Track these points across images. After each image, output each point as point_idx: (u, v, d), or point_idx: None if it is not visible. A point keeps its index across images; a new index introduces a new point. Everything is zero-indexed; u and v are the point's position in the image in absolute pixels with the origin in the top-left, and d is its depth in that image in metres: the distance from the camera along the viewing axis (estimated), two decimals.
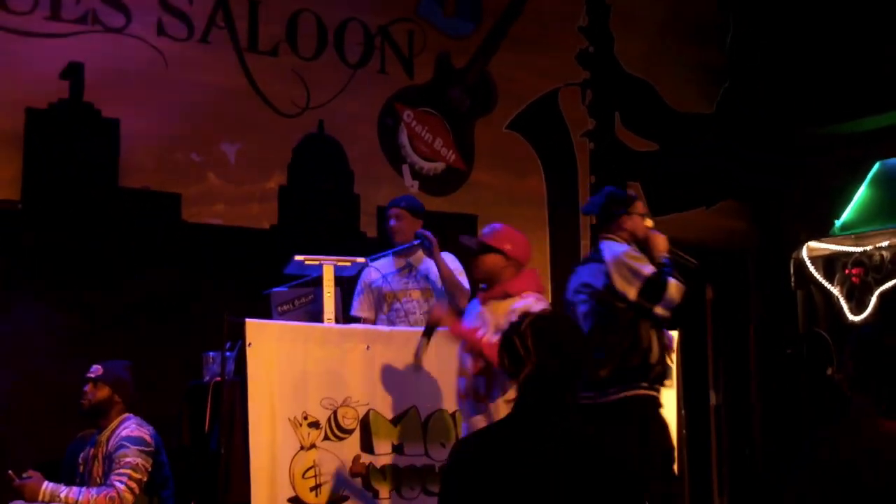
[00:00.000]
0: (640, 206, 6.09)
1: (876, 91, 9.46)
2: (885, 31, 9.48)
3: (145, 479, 5.65)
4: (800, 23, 10.14)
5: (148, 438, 5.74)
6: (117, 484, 5.53)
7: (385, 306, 6.84)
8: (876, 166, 9.76)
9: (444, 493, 3.47)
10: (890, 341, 4.32)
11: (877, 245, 9.34)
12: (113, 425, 5.82)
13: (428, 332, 5.40)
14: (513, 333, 3.52)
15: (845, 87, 9.69)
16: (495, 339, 4.81)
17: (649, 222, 6.01)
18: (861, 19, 9.64)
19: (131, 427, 5.75)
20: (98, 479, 5.69)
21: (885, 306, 9.22)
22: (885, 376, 4.10)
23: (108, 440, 5.75)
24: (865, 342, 4.22)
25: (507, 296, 5.21)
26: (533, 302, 5.12)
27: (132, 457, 5.61)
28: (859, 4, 9.63)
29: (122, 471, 5.56)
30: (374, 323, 6.80)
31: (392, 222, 6.90)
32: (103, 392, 5.86)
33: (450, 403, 5.98)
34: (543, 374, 3.43)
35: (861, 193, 9.80)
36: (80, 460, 5.91)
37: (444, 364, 5.81)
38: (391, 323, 6.71)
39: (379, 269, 6.83)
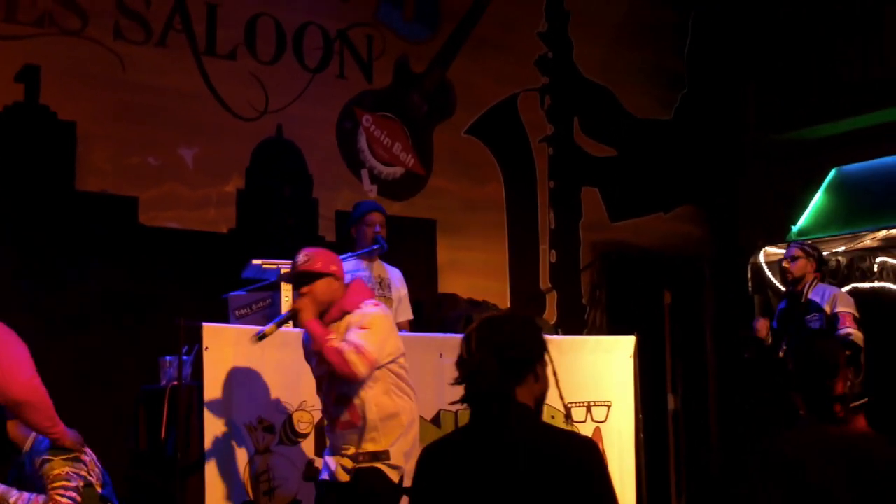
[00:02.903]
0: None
1: (832, 98, 9.54)
2: (842, 40, 9.55)
3: (82, 483, 5.52)
4: (757, 31, 10.22)
5: (73, 445, 5.56)
6: (58, 498, 5.40)
7: None
8: (832, 173, 9.84)
9: (412, 499, 3.47)
10: (820, 346, 4.39)
11: (833, 250, 9.40)
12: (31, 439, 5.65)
13: (285, 319, 5.17)
14: (461, 341, 3.50)
15: (802, 94, 9.77)
16: (341, 345, 4.89)
17: None
18: (818, 28, 9.71)
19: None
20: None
21: None
22: (811, 379, 4.18)
23: (29, 450, 5.59)
24: (800, 346, 4.32)
25: (344, 314, 5.11)
26: (373, 308, 5.12)
27: (58, 468, 5.47)
28: (817, 13, 9.70)
29: (55, 484, 5.43)
30: None
31: (378, 228, 6.86)
32: None
33: None
34: (482, 374, 3.41)
35: (817, 199, 9.88)
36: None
37: None
38: None
39: (347, 272, 6.81)
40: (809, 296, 7.63)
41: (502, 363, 3.39)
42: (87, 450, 5.51)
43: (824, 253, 9.27)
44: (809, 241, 8.41)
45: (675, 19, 10.46)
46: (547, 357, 3.49)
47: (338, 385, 5.04)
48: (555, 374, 3.61)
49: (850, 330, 7.32)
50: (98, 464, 5.56)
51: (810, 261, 7.77)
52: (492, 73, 9.27)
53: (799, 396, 4.31)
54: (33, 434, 5.47)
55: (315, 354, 5.07)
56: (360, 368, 4.90)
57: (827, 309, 7.47)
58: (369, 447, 5.00)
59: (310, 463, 5.86)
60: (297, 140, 8.31)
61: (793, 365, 4.38)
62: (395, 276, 6.97)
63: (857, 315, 7.43)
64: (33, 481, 5.52)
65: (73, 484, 5.41)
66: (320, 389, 5.19)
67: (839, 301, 7.49)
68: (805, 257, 7.76)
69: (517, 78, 9.46)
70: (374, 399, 5.02)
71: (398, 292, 6.94)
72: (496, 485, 3.28)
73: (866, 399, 6.83)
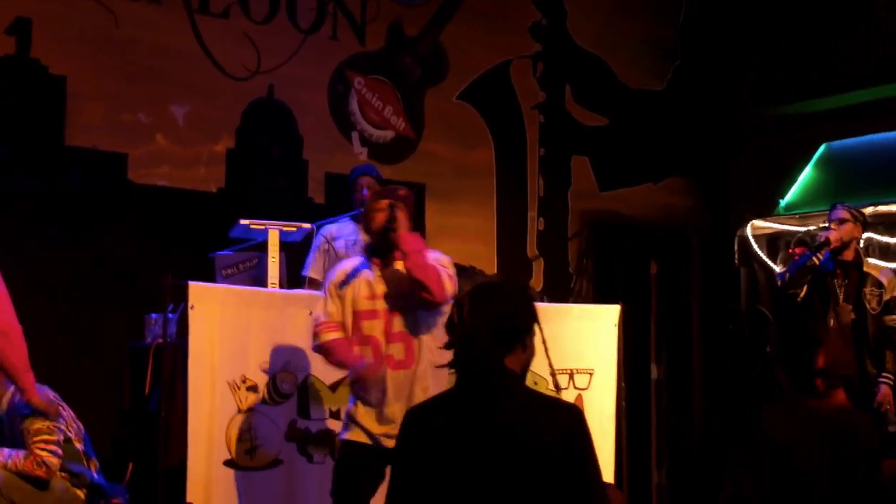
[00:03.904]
0: None
1: (823, 74, 9.54)
2: (834, 17, 9.55)
3: (62, 437, 5.53)
4: (751, 5, 10.20)
5: (46, 403, 5.56)
6: (39, 452, 5.42)
7: None
8: (821, 148, 9.86)
9: (395, 459, 3.51)
10: (812, 323, 4.43)
11: (820, 225, 9.42)
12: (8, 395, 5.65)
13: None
14: (453, 306, 3.54)
15: (793, 70, 9.77)
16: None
17: None
18: (814, 3, 9.71)
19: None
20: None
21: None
22: (794, 352, 4.22)
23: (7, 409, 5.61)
24: (789, 321, 4.35)
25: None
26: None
27: (39, 423, 5.48)
28: None
29: (35, 438, 5.45)
30: None
31: (365, 192, 6.85)
32: None
33: None
34: (474, 341, 3.44)
35: (806, 174, 9.90)
36: None
37: None
38: None
39: (341, 234, 6.84)
40: (872, 271, 7.17)
41: (494, 333, 3.43)
42: (65, 406, 5.54)
43: (811, 228, 9.33)
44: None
45: None
46: (537, 327, 3.54)
47: (404, 317, 5.01)
48: (544, 343, 3.66)
49: None
50: (76, 420, 5.59)
51: (857, 225, 7.26)
52: (485, 39, 9.24)
53: (781, 370, 4.34)
54: (10, 390, 5.48)
55: (390, 276, 5.04)
56: (448, 291, 4.92)
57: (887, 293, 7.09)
58: (420, 397, 4.86)
59: (292, 423, 5.89)
60: (288, 101, 8.29)
61: (777, 339, 4.43)
62: None
63: None
64: (13, 439, 5.55)
65: (55, 438, 5.45)
66: (362, 329, 5.06)
67: None
68: (853, 221, 7.22)
69: (510, 44, 9.43)
70: (430, 343, 5.01)
71: None
72: (482, 449, 3.32)
73: None
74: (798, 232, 9.63)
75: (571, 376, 6.82)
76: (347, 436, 5.04)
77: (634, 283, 9.16)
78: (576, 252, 9.61)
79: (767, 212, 9.90)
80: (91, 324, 7.14)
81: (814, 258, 7.11)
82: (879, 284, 7.10)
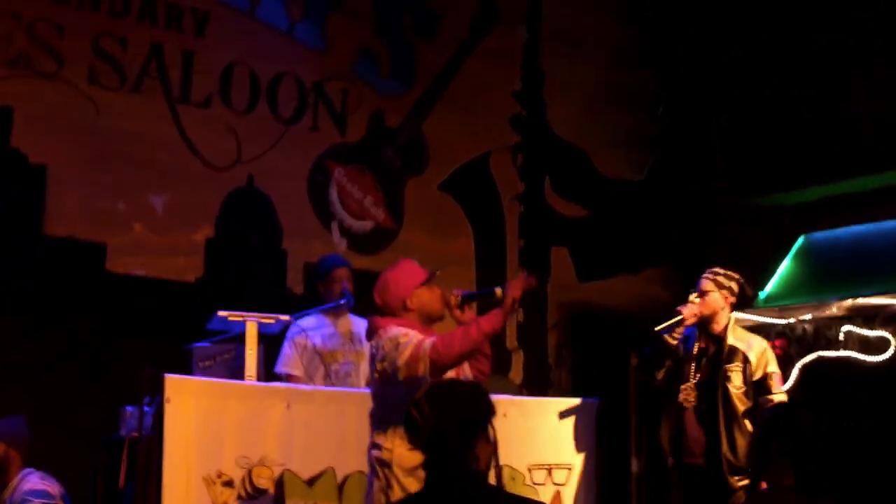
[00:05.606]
0: None
1: (801, 166, 9.60)
2: (812, 109, 9.64)
3: None
4: (729, 97, 10.29)
5: (52, 491, 5.60)
6: None
7: (322, 367, 6.76)
8: (800, 240, 9.89)
9: None
10: (804, 417, 4.41)
11: (800, 318, 9.43)
12: (14, 482, 5.68)
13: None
14: (410, 406, 3.54)
15: (772, 162, 9.84)
16: None
17: None
18: (789, 96, 9.79)
19: (34, 481, 5.62)
20: None
21: (806, 379, 9.29)
22: (800, 451, 4.20)
23: (10, 497, 5.61)
24: (780, 420, 4.32)
25: None
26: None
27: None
28: (786, 84, 9.78)
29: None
30: (306, 382, 6.71)
31: (345, 283, 6.84)
32: None
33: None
34: (443, 436, 3.44)
35: (785, 266, 9.91)
36: None
37: (365, 425, 5.75)
38: (331, 384, 6.66)
39: (315, 327, 6.80)
40: (738, 345, 6.57)
41: (458, 429, 3.44)
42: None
43: (791, 320, 9.32)
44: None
45: (650, 83, 10.51)
46: (492, 420, 3.57)
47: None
48: (494, 437, 3.66)
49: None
50: None
51: (723, 293, 6.66)
52: (465, 130, 9.29)
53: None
54: (19, 476, 5.47)
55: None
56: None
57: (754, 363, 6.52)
58: None
59: None
60: (268, 191, 8.30)
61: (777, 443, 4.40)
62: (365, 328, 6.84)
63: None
64: None
65: None
66: None
67: (770, 358, 6.64)
68: (718, 289, 6.64)
69: (490, 135, 9.48)
70: None
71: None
72: None
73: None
74: (778, 324, 9.63)
75: (550, 471, 6.76)
76: None
77: (614, 374, 9.10)
78: (555, 343, 9.59)
79: (746, 304, 9.89)
80: (65, 415, 7.06)
81: (668, 338, 6.54)
82: (745, 360, 6.52)
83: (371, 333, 5.28)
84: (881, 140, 9.25)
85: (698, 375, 6.60)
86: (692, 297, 6.63)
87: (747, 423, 6.47)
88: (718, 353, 6.57)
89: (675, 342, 6.58)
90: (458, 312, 5.42)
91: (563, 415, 6.98)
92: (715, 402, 6.51)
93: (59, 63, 7.57)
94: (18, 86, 7.44)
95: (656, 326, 6.60)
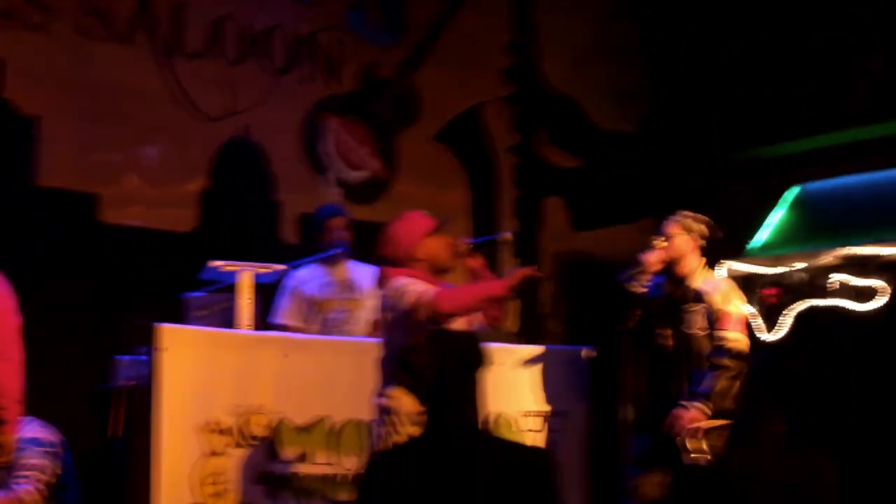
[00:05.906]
0: None
1: (794, 117, 9.60)
2: (803, 60, 9.62)
3: (53, 480, 5.52)
4: (719, 48, 10.25)
5: (52, 439, 5.61)
6: (22, 486, 5.40)
7: (318, 316, 6.79)
8: (795, 190, 9.90)
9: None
10: (798, 364, 4.45)
11: (793, 266, 9.45)
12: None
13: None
14: (409, 353, 3.56)
15: (766, 113, 9.82)
16: None
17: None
18: (780, 47, 9.77)
19: (34, 429, 5.63)
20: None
21: (800, 328, 9.32)
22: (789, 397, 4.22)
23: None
24: (771, 364, 4.35)
25: None
26: None
27: (36, 458, 5.47)
28: (778, 33, 9.75)
29: (25, 473, 5.42)
30: (303, 331, 6.73)
31: (341, 232, 6.84)
32: None
33: (363, 413, 5.93)
34: (441, 383, 3.46)
35: (780, 216, 9.92)
36: None
37: (360, 373, 5.78)
38: (326, 332, 6.67)
39: (310, 277, 6.81)
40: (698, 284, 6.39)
41: (457, 370, 3.47)
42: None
43: (785, 269, 9.33)
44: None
45: (642, 35, 10.46)
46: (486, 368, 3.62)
47: None
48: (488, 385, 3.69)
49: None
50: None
51: (692, 236, 6.44)
52: (458, 82, 9.26)
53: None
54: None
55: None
56: None
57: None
58: None
59: (263, 467, 5.84)
60: (262, 141, 8.29)
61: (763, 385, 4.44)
62: (364, 274, 6.76)
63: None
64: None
65: (45, 478, 5.39)
66: None
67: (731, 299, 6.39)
68: (686, 232, 6.44)
69: (483, 87, 9.46)
70: None
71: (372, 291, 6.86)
72: (450, 494, 3.31)
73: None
74: (773, 274, 9.65)
75: (543, 419, 6.80)
76: None
77: (608, 323, 9.12)
78: (550, 293, 9.60)
79: (741, 254, 9.91)
80: (61, 365, 7.07)
81: (632, 287, 6.41)
82: (700, 298, 6.32)
83: (380, 283, 5.28)
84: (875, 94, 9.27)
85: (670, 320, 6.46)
86: (657, 241, 6.42)
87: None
88: (684, 296, 6.40)
89: (643, 290, 6.43)
90: (469, 261, 5.40)
91: (557, 363, 7.00)
92: (682, 345, 6.37)
93: (48, 15, 7.52)
94: (8, 38, 7.40)
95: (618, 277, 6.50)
